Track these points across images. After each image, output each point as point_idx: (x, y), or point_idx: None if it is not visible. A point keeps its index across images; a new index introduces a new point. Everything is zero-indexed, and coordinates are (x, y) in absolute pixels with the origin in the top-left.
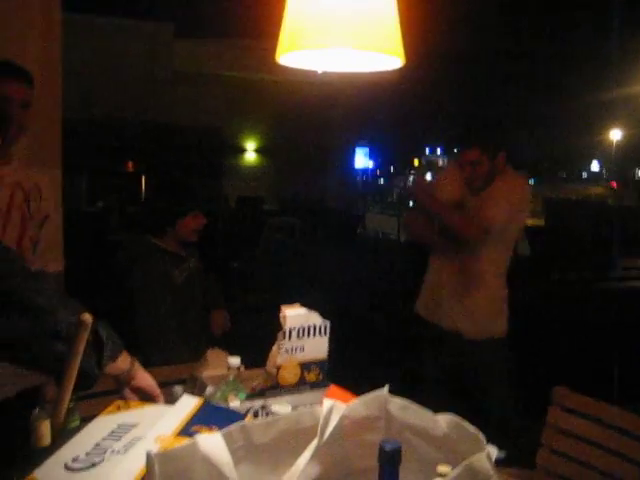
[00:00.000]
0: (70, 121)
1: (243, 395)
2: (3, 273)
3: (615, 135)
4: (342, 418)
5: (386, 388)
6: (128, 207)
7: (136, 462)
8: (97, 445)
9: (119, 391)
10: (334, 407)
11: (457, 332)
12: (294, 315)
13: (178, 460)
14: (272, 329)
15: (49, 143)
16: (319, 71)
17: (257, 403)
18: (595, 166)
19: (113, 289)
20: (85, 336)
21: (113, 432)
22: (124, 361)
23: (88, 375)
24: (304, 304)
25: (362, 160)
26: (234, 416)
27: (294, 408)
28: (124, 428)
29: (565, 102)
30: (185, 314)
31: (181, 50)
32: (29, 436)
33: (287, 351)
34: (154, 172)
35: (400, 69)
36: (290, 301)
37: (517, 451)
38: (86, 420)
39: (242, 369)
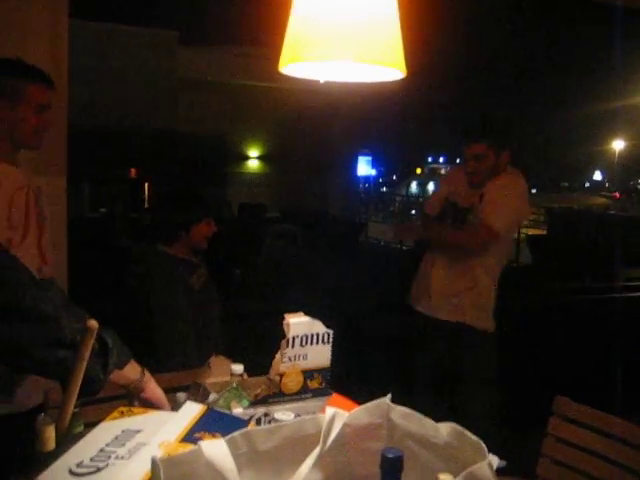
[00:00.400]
0: (73, 128)
1: (246, 402)
2: (10, 281)
3: (618, 145)
4: (344, 426)
5: (388, 396)
6: (131, 213)
7: (140, 468)
8: (101, 450)
9: (126, 398)
10: (336, 415)
11: (444, 322)
12: (297, 323)
13: (183, 466)
14: (274, 336)
15: (54, 150)
16: (321, 81)
17: (260, 410)
18: (598, 176)
19: (126, 298)
20: (91, 342)
21: (117, 438)
22: (133, 371)
23: (93, 380)
24: (307, 312)
25: (364, 168)
26: (237, 423)
27: (296, 416)
28: (128, 434)
29: (568, 112)
30: (202, 320)
31: (185, 58)
32: (34, 440)
33: (290, 359)
34: (157, 179)
35: (404, 78)
36: (292, 309)
37: (517, 461)
38: (90, 426)
39: (245, 376)
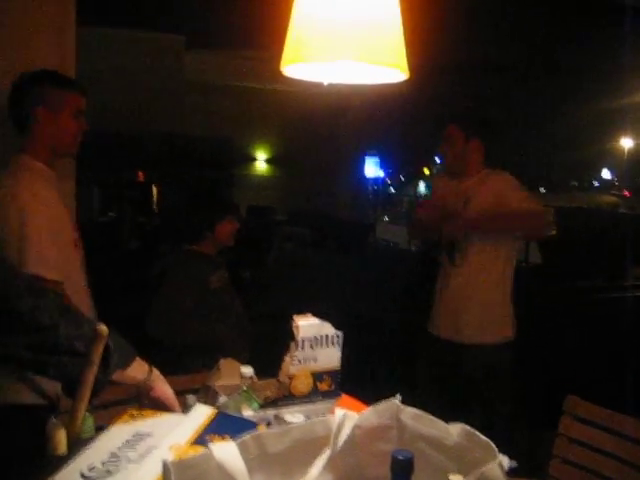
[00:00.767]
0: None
1: (256, 405)
2: (7, 291)
3: (627, 143)
4: (354, 427)
5: (398, 397)
6: (139, 217)
7: (151, 471)
8: (113, 454)
9: (136, 402)
10: (346, 416)
11: (458, 339)
12: (307, 325)
13: (194, 468)
14: (283, 338)
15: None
16: (324, 83)
17: (270, 413)
18: (607, 174)
19: (148, 295)
20: (101, 347)
21: (128, 441)
22: (139, 369)
23: (95, 381)
24: (316, 314)
25: (372, 169)
26: (247, 426)
27: (306, 418)
28: (139, 437)
29: (576, 110)
30: (219, 320)
31: (192, 62)
32: (45, 444)
33: (300, 361)
34: (166, 183)
35: (410, 79)
36: (301, 310)
37: (528, 461)
38: (100, 429)
39: (255, 379)
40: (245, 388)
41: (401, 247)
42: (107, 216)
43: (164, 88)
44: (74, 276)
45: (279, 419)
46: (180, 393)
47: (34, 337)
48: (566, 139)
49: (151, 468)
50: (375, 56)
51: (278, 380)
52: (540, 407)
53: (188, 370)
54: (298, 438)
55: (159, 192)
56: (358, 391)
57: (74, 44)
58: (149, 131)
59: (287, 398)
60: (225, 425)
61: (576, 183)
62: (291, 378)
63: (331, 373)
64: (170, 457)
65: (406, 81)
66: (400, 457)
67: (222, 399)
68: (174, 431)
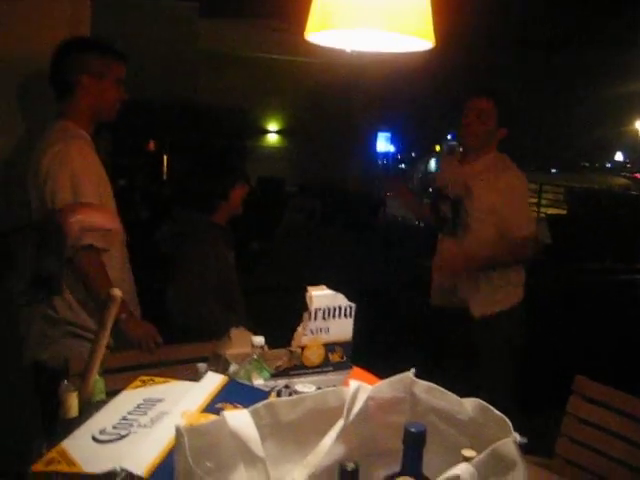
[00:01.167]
0: None
1: (267, 374)
2: None
3: None
4: (368, 399)
5: (412, 370)
6: (150, 186)
7: (163, 436)
8: (124, 418)
9: (148, 368)
10: (360, 388)
11: (464, 309)
12: (320, 296)
13: (207, 435)
14: (291, 309)
15: None
16: (348, 50)
17: (280, 382)
18: (619, 157)
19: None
20: (114, 311)
21: (139, 406)
22: None
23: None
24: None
25: (384, 144)
26: (258, 394)
27: (318, 388)
28: (150, 403)
29: (591, 91)
30: (229, 286)
31: (205, 30)
32: (57, 407)
33: (312, 332)
34: (176, 151)
35: (425, 52)
36: (309, 282)
37: (536, 439)
38: (111, 394)
39: (266, 348)
40: (256, 357)
41: (410, 222)
42: (117, 184)
43: (177, 56)
44: (116, 248)
45: (290, 389)
46: (189, 361)
47: None
48: (579, 119)
49: (162, 433)
50: (402, 25)
51: (289, 350)
52: (547, 386)
53: None
54: (311, 407)
55: (170, 161)
56: (366, 364)
57: (89, 12)
58: (161, 99)
59: (298, 368)
60: (236, 393)
61: (587, 164)
62: (303, 348)
63: (343, 344)
64: (181, 423)
65: (422, 54)
66: (412, 429)
67: (233, 367)
68: (185, 398)
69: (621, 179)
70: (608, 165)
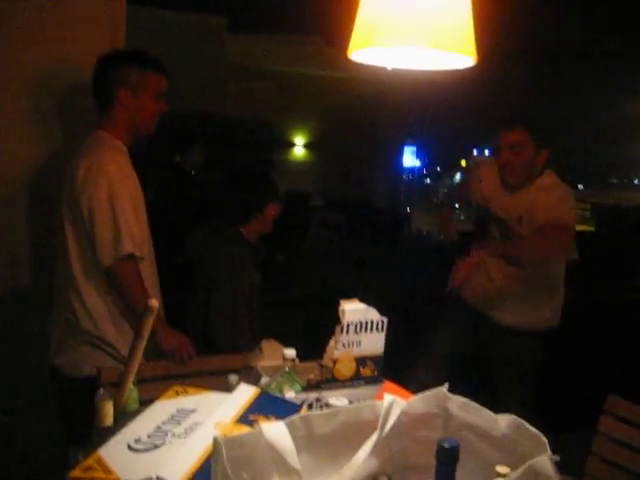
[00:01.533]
0: None
1: (298, 387)
2: None
3: None
4: (401, 414)
5: (445, 385)
6: (176, 198)
7: (197, 446)
8: (158, 428)
9: (181, 378)
10: (394, 402)
11: (494, 319)
12: (353, 310)
13: (244, 446)
14: (315, 322)
15: None
16: (389, 68)
17: (312, 395)
18: None
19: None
20: (151, 320)
21: (173, 416)
22: None
23: None
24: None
25: (410, 159)
26: (290, 407)
27: (349, 402)
28: (183, 413)
29: (618, 106)
30: (254, 301)
31: (234, 44)
32: (93, 416)
33: (344, 345)
34: (205, 164)
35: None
36: (337, 296)
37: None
38: (144, 404)
39: (297, 361)
40: (287, 369)
41: (435, 237)
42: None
43: (206, 70)
44: (148, 258)
45: (321, 402)
46: (220, 372)
47: None
48: (607, 134)
49: (196, 443)
50: (445, 41)
51: (320, 363)
52: (578, 405)
53: None
54: (345, 421)
55: (196, 174)
56: (399, 378)
57: (124, 26)
58: (188, 113)
59: (330, 381)
60: (268, 405)
61: (615, 180)
62: (335, 361)
63: (374, 358)
64: (215, 434)
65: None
66: (446, 445)
67: (264, 379)
68: (218, 409)
69: None
70: (636, 182)
